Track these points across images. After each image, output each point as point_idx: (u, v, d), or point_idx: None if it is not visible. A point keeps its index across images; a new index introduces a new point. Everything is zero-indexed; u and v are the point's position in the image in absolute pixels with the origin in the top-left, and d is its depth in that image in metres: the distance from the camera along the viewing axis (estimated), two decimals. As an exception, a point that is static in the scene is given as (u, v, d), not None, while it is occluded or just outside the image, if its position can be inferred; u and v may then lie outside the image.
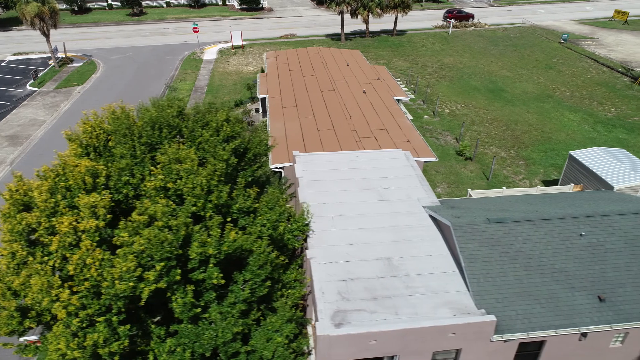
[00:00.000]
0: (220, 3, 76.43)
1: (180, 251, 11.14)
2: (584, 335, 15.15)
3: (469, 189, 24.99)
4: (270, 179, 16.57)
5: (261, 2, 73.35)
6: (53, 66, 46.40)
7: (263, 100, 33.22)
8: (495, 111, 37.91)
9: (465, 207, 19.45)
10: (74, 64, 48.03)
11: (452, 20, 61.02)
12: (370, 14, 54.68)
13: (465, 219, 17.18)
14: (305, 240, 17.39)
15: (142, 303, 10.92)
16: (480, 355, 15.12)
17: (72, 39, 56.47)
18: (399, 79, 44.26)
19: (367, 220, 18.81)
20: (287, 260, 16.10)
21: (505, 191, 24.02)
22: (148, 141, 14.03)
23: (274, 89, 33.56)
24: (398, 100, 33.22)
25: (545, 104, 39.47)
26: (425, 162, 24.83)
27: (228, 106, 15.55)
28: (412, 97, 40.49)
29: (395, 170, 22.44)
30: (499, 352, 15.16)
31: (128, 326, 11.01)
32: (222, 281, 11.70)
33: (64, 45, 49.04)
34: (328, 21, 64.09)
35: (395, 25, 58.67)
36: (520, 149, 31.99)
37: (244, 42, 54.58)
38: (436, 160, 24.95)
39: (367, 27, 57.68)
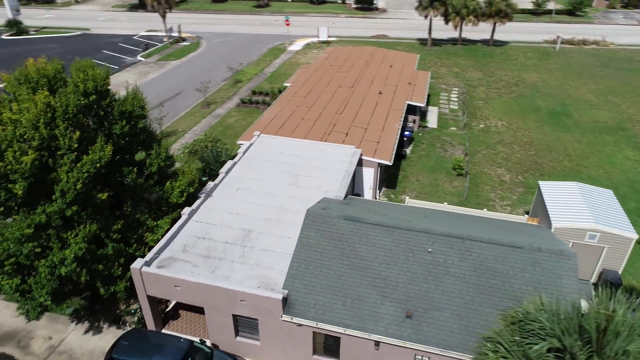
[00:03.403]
0: (340, 1, 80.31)
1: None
2: (377, 344, 14.99)
3: (407, 197, 24.27)
4: (155, 136, 19.37)
5: (375, 2, 75.14)
6: (166, 43, 55.63)
7: (285, 88, 35.95)
8: (537, 135, 34.48)
9: (360, 206, 19.79)
10: (184, 43, 56.78)
11: (561, 36, 54.96)
12: (462, 21, 52.78)
13: (325, 212, 17.88)
14: (195, 199, 20.00)
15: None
16: (277, 334, 16.07)
17: (196, 22, 66.33)
18: (455, 89, 42.60)
19: (264, 198, 20.55)
20: (165, 209, 19.09)
21: (446, 207, 22.97)
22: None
23: (300, 80, 36.02)
24: (414, 106, 32.86)
25: (609, 136, 34.36)
26: (379, 163, 24.95)
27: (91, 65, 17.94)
28: (455, 107, 38.90)
29: (330, 163, 23.43)
30: (296, 336, 15.89)
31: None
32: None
33: (179, 27, 58.16)
34: (435, 26, 62.72)
35: (492, 35, 55.35)
36: (531, 176, 29.08)
37: (331, 38, 57.52)
38: (390, 164, 24.86)
39: (460, 35, 55.56)
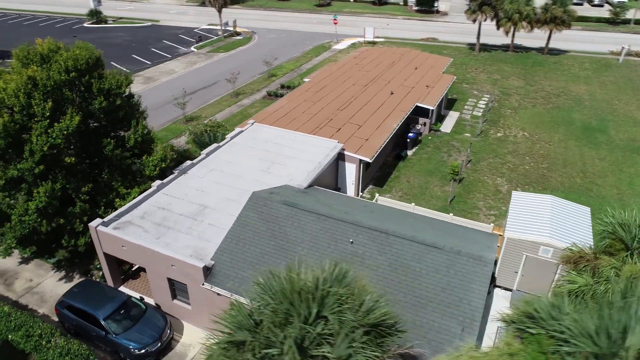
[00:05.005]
0: (401, 3, 79.80)
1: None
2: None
3: (377, 195, 24.29)
4: (135, 112, 21.40)
5: (436, 5, 73.76)
6: (220, 36, 59.23)
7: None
8: (557, 148, 32.56)
9: (314, 196, 20.55)
10: (237, 37, 60.04)
11: (625, 47, 50.53)
12: (514, 26, 50.55)
13: (269, 195, 18.92)
14: (163, 175, 21.91)
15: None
16: (203, 300, 17.41)
17: (256, 18, 69.69)
18: (487, 95, 41.15)
19: (232, 180, 22.01)
20: (139, 179, 21.22)
21: (415, 208, 22.92)
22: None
23: (319, 76, 37.05)
24: (427, 109, 32.56)
25: (641, 156, 31.63)
26: (360, 159, 25.34)
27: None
28: (478, 114, 37.71)
29: (307, 154, 24.35)
30: (218, 304, 17.07)
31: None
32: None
33: (234, 22, 61.55)
34: (486, 31, 60.52)
35: (547, 43, 52.35)
36: (532, 189, 27.71)
37: (378, 39, 57.72)
38: (370, 162, 25.15)
39: (512, 41, 53.24)
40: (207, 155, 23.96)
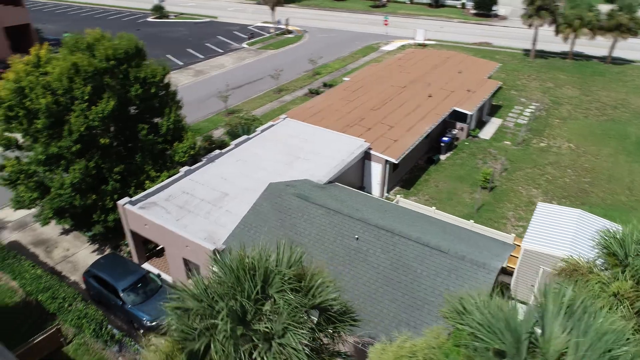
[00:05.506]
0: (459, 6, 77.92)
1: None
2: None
3: (398, 196, 24.01)
4: (168, 101, 22.61)
5: (495, 9, 71.39)
6: (272, 34, 60.72)
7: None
8: (604, 162, 30.74)
9: (331, 192, 20.86)
10: (289, 35, 61.28)
11: (700, 59, 46.52)
12: (574, 33, 48.06)
13: (284, 187, 19.45)
14: (193, 162, 23.04)
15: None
16: (213, 281, 18.21)
17: (310, 17, 70.75)
18: (536, 104, 39.47)
19: (254, 171, 22.79)
20: (169, 164, 22.50)
21: (435, 212, 22.60)
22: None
23: (359, 76, 37.22)
24: (465, 114, 31.86)
25: (701, 177, 29.20)
26: (386, 160, 25.30)
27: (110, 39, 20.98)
28: (523, 122, 36.28)
29: (331, 151, 24.71)
30: (227, 286, 17.87)
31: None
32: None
33: (287, 20, 62.83)
34: (544, 37, 58.07)
35: (610, 52, 49.32)
36: (569, 203, 26.38)
37: (429, 41, 56.84)
38: (396, 162, 25.06)
39: (571, 48, 50.58)
40: (236, 146, 24.89)
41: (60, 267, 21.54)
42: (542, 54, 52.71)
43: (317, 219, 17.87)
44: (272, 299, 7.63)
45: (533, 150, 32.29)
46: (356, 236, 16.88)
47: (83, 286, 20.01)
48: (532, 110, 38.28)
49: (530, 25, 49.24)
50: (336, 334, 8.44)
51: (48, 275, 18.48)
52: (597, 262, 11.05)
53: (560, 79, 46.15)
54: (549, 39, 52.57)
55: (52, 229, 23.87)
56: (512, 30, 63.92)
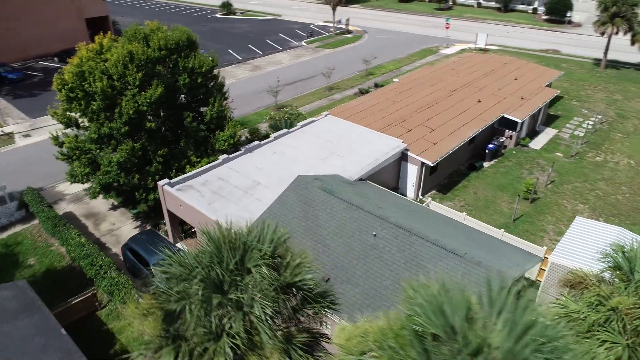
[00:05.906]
0: (530, 11, 74.53)
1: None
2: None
3: (429, 199, 23.53)
4: (214, 92, 23.78)
5: (568, 15, 67.59)
6: (332, 33, 61.43)
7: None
8: (666, 182, 28.47)
9: (359, 189, 21.09)
10: (348, 35, 61.71)
11: None
12: (652, 42, 44.63)
13: (312, 181, 19.94)
14: (233, 151, 24.12)
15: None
16: (236, 264, 19.05)
17: (372, 18, 70.81)
18: (598, 116, 37.12)
19: (289, 163, 23.50)
20: (210, 152, 23.72)
21: (466, 219, 22.11)
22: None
23: (409, 78, 36.95)
24: (510, 119, 30.75)
25: None
26: (423, 162, 25.05)
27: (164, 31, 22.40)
28: (580, 134, 34.29)
29: (368, 150, 24.92)
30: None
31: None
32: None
33: (347, 20, 63.25)
34: (619, 46, 54.35)
35: (693, 65, 45.27)
36: (618, 221, 24.74)
37: (491, 46, 55.03)
38: (432, 165, 24.74)
39: (648, 59, 47.00)
40: (275, 138, 25.73)
41: (104, 239, 23.42)
42: (615, 64, 49.37)
43: (338, 213, 18.19)
44: (251, 273, 8.15)
45: (586, 164, 30.51)
46: (374, 232, 17.03)
47: (121, 258, 21.66)
48: (593, 123, 36.07)
49: (603, 34, 46.28)
50: (315, 314, 8.81)
51: (90, 244, 20.23)
52: (605, 275, 10.53)
53: (630, 91, 43.04)
54: (624, 48, 49.07)
55: (103, 204, 25.97)
56: (584, 38, 60.30)
